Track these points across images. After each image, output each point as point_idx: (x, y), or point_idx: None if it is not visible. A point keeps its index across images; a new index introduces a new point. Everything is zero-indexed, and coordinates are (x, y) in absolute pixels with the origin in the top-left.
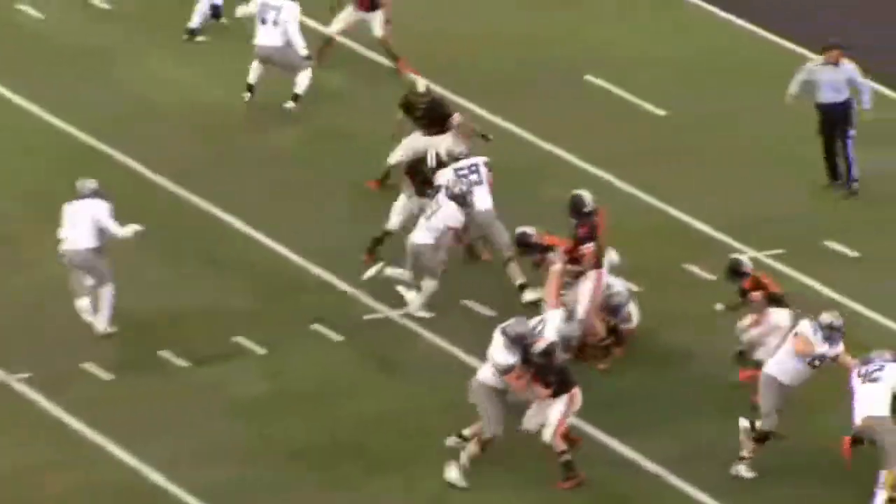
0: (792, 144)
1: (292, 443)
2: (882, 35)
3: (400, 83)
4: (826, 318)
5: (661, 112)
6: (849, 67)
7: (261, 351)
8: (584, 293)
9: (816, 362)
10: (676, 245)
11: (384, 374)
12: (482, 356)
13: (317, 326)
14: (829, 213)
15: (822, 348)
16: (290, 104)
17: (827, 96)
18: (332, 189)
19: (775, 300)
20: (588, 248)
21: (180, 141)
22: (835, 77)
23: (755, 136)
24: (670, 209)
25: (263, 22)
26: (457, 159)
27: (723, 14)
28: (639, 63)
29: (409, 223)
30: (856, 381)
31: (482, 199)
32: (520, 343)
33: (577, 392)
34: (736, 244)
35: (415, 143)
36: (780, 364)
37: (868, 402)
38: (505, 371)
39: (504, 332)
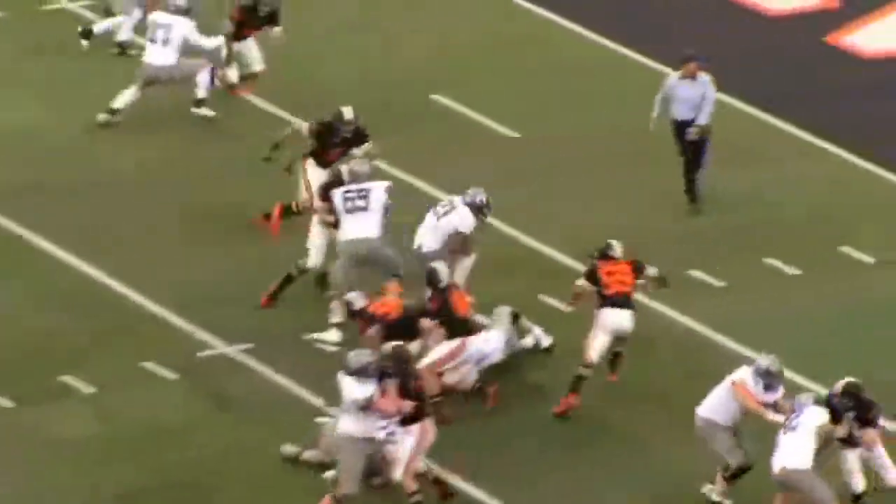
0: (652, 169)
1: (123, 487)
2: (747, 49)
3: (237, 104)
4: (763, 363)
5: (513, 134)
6: (705, 81)
7: (89, 390)
8: (438, 351)
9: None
10: (531, 275)
11: (221, 413)
12: (323, 392)
13: (149, 364)
14: (694, 241)
15: (763, 397)
16: (201, 110)
17: (682, 113)
18: (166, 217)
19: (613, 302)
20: (427, 322)
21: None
22: (692, 93)
23: (614, 161)
24: (525, 237)
25: (152, 41)
26: (356, 179)
27: (582, 31)
28: (489, 83)
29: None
30: (779, 434)
31: (367, 228)
32: (368, 372)
33: (430, 425)
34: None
35: (313, 177)
36: (715, 405)
37: (785, 453)
38: (366, 404)
39: (347, 370)
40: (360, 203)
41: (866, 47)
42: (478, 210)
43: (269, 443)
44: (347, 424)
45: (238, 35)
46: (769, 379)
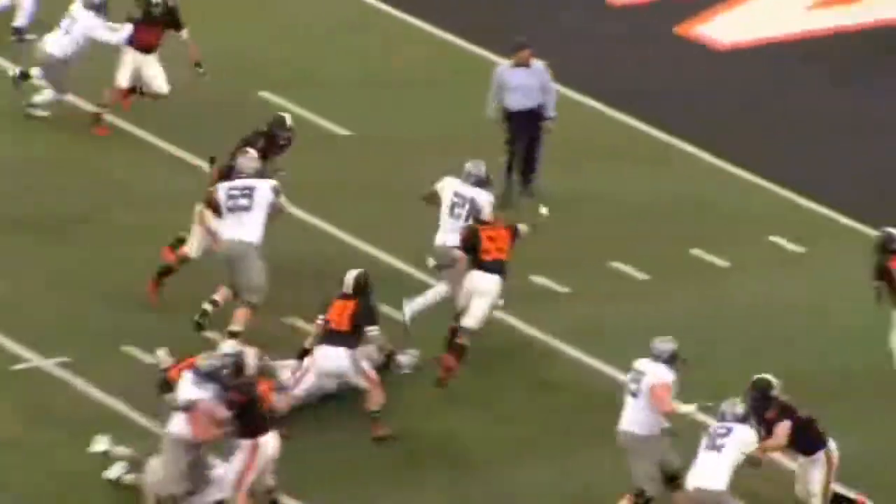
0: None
1: None
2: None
3: (62, 108)
4: (667, 347)
5: (344, 132)
6: (540, 68)
7: None
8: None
9: None
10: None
11: (35, 430)
12: (143, 407)
13: None
14: (535, 244)
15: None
16: (36, 111)
17: (517, 102)
18: None
19: (488, 267)
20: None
21: None
22: (526, 81)
23: (452, 161)
24: (357, 242)
25: (60, 27)
26: (238, 176)
27: (423, 25)
28: (320, 79)
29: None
30: (702, 443)
31: (245, 230)
32: (214, 378)
33: (266, 441)
34: (432, 281)
35: None
36: (641, 418)
37: (705, 471)
38: (185, 407)
39: (195, 371)
40: (243, 202)
41: (718, 38)
42: (485, 183)
43: (89, 463)
44: (177, 425)
45: (138, 45)
46: (677, 362)
